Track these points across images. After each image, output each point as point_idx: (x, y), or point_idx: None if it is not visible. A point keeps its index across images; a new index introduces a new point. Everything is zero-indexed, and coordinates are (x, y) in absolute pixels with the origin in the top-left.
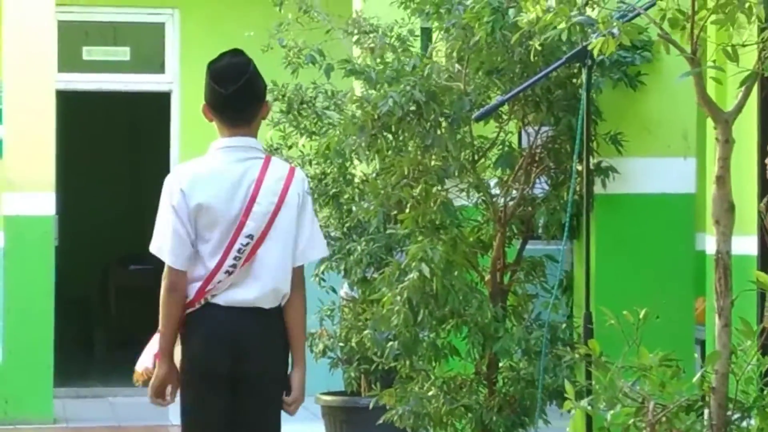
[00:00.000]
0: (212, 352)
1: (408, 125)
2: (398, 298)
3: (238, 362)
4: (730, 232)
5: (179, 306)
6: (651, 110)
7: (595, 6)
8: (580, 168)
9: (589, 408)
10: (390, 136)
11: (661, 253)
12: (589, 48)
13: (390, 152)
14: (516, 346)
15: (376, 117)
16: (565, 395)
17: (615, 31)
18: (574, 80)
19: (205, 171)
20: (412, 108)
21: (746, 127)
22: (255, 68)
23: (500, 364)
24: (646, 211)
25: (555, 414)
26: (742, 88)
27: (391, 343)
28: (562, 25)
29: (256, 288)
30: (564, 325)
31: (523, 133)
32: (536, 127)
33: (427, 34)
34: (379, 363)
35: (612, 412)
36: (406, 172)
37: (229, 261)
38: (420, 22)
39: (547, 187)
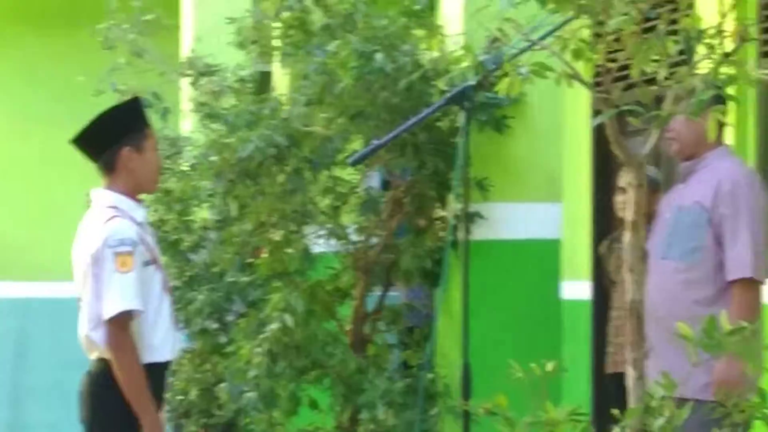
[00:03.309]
0: None
1: (268, 170)
2: (258, 349)
3: None
4: (642, 281)
5: None
6: (517, 154)
7: (499, 45)
8: (444, 214)
9: None
10: (249, 182)
11: (528, 299)
12: (496, 89)
13: (248, 198)
14: (380, 398)
15: (233, 162)
16: None
17: (523, 70)
18: (438, 123)
19: None
20: (273, 152)
21: (580, 166)
22: (100, 118)
23: (360, 416)
24: (513, 257)
25: None
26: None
27: (249, 395)
28: (467, 64)
29: None
30: (431, 376)
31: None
32: (398, 172)
33: (265, 76)
34: (220, 416)
35: None
36: (263, 219)
37: None
38: (255, 64)
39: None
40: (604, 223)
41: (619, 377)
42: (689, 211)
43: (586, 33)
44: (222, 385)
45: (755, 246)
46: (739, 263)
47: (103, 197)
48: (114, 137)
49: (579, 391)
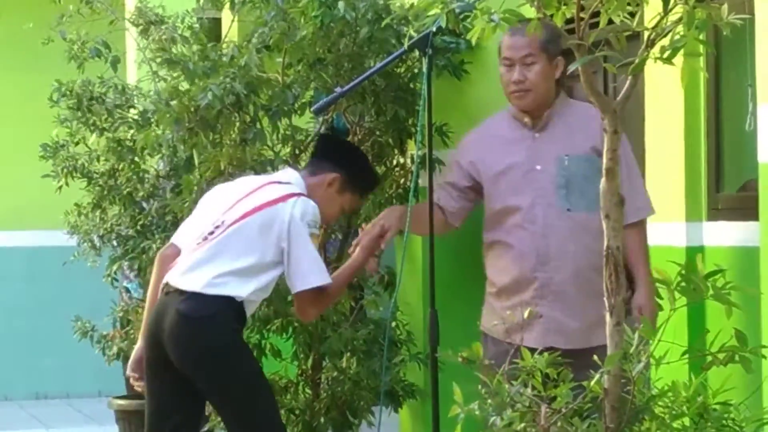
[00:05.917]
0: None
1: (226, 119)
2: None
3: None
4: (620, 227)
5: None
6: (476, 100)
7: None
8: (403, 161)
9: (478, 413)
10: (208, 130)
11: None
12: (468, 36)
13: (207, 146)
14: (344, 346)
15: (192, 109)
16: (406, 397)
17: (495, 17)
18: (398, 69)
19: None
20: (231, 101)
21: None
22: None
23: (324, 365)
24: None
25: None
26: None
27: None
28: (436, 11)
29: None
30: (394, 324)
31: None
32: (356, 119)
33: (214, 22)
34: None
35: (499, 417)
36: (222, 168)
37: None
38: (205, 10)
39: None
40: None
41: None
42: (585, 159)
43: None
44: None
45: (643, 181)
46: (639, 203)
47: (294, 176)
48: (344, 164)
49: None
